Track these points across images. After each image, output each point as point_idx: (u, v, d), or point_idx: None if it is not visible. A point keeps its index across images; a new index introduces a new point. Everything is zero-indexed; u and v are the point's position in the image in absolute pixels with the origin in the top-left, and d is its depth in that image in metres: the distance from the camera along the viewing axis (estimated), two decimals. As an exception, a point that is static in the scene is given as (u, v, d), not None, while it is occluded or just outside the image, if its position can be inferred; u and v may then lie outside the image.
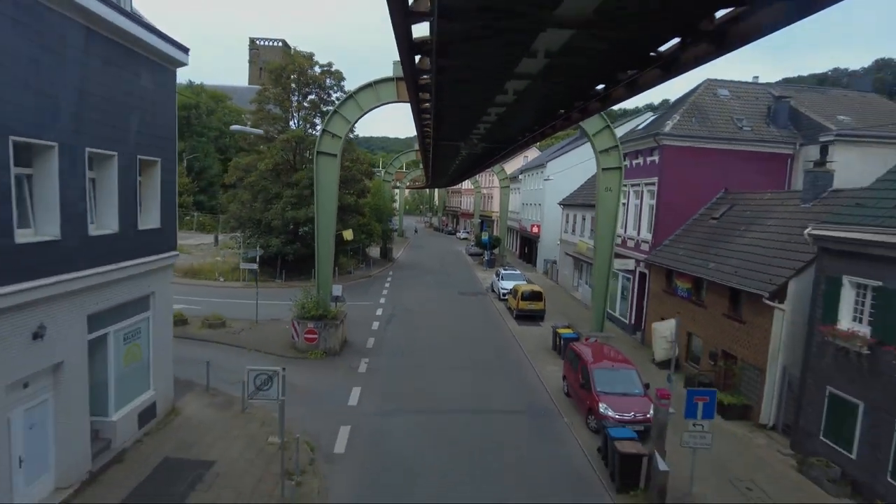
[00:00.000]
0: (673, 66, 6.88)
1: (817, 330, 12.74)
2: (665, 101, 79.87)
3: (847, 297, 12.11)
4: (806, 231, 13.19)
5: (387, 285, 35.21)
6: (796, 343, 13.98)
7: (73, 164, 9.48)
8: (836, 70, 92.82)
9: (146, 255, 12.20)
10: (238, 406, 14.33)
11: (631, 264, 24.17)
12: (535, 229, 44.31)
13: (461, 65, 8.11)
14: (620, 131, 25.47)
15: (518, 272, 34.46)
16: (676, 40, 6.40)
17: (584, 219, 32.62)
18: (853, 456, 11.58)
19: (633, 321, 24.22)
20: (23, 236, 8.54)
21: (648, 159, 23.22)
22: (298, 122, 35.02)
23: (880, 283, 11.24)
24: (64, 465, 9.75)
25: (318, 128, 32.91)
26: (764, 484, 11.78)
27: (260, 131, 30.16)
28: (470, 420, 14.63)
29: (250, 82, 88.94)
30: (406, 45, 7.03)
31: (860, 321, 11.84)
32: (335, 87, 34.18)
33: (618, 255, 23.93)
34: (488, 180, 68.05)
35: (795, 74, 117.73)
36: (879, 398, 11.00)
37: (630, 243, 24.80)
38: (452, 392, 16.58)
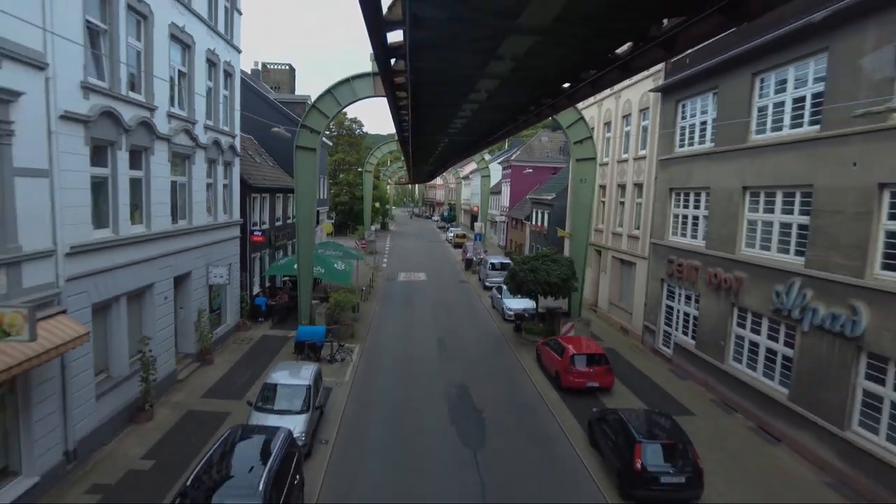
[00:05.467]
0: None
1: (532, 227, 41.24)
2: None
3: (536, 215, 40.59)
4: (528, 196, 41.74)
5: (388, 239, 63.40)
6: (533, 236, 42.38)
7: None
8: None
9: (321, 205, 40.34)
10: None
11: (504, 218, 52.70)
12: (476, 209, 72.77)
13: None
14: (505, 154, 53.80)
15: (459, 228, 63.02)
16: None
17: (495, 200, 61.07)
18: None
19: (505, 244, 52.75)
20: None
21: (508, 171, 51.70)
22: (336, 150, 62.91)
23: (542, 211, 39.76)
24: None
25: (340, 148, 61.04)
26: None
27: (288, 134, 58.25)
28: (429, 269, 42.98)
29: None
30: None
31: (540, 223, 40.29)
32: (358, 130, 62.20)
33: (500, 216, 52.45)
34: (454, 179, 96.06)
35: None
36: (541, 242, 39.40)
37: (503, 209, 53.34)
38: (421, 264, 44.92)
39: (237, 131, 21.16)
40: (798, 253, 13.45)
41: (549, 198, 35.66)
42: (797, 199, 13.58)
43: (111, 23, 12.15)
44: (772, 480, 11.77)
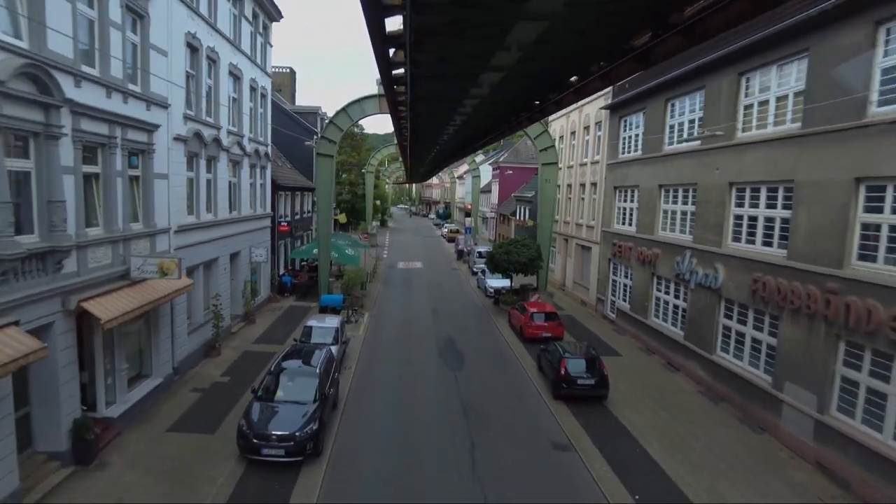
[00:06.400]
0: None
1: (517, 222, 46.32)
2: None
3: (519, 211, 45.67)
4: (513, 194, 46.82)
5: (388, 235, 68.44)
6: (517, 229, 47.41)
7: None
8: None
9: (332, 203, 45.44)
10: (351, 251, 47.54)
11: (493, 215, 57.77)
12: (469, 206, 77.88)
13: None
14: (497, 155, 58.91)
15: (453, 224, 68.10)
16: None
17: (485, 198, 66.17)
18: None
19: (494, 237, 57.86)
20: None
21: (497, 171, 56.77)
22: (339, 152, 67.86)
23: (524, 207, 44.83)
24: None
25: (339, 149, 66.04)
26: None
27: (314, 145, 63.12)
28: (424, 259, 48.03)
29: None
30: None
31: (523, 217, 45.33)
32: (359, 133, 67.21)
33: (490, 212, 57.53)
34: (449, 178, 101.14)
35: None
36: (523, 234, 44.50)
37: (493, 206, 58.41)
38: (418, 255, 49.95)
39: (269, 141, 26.19)
40: (690, 232, 18.55)
41: (530, 195, 40.71)
42: (690, 193, 18.68)
43: (197, 69, 17.20)
44: (662, 390, 16.87)
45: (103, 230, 12.15)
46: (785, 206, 13.97)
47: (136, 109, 13.17)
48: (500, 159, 55.88)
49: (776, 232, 14.34)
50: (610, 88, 25.46)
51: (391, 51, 7.94)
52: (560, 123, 33.42)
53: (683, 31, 6.63)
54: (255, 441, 11.39)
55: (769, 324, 14.39)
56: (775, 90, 14.51)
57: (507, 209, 51.61)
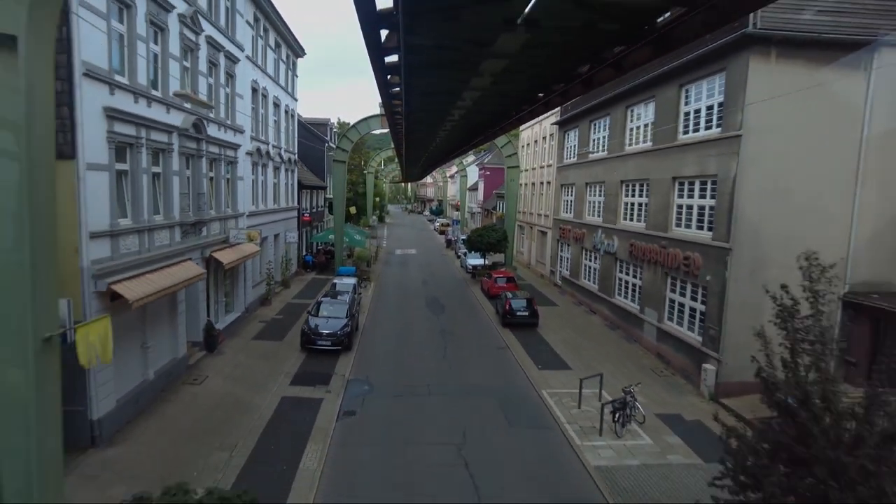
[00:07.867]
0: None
1: (496, 215, 53.98)
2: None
3: (499, 206, 53.41)
4: (494, 191, 54.53)
5: (386, 229, 76.09)
6: (498, 221, 55.06)
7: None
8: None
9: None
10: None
11: (479, 210, 65.48)
12: (458, 203, 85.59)
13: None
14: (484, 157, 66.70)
15: (444, 219, 76.01)
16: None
17: (473, 195, 73.92)
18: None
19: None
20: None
21: (482, 171, 64.49)
22: (342, 154, 75.46)
23: (502, 202, 52.55)
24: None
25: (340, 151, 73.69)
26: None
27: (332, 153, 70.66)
28: (418, 247, 55.68)
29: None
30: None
31: (502, 211, 53.01)
32: (365, 141, 74.80)
33: (477, 208, 65.34)
34: (441, 177, 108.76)
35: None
36: (502, 225, 52.19)
37: (479, 202, 66.11)
38: (413, 244, 57.60)
39: (295, 150, 33.82)
40: (601, 215, 26.26)
41: (506, 192, 48.38)
42: (602, 188, 26.39)
43: (257, 103, 24.82)
44: (579, 324, 24.59)
45: (215, 212, 19.76)
46: (646, 195, 21.68)
47: (230, 136, 20.79)
48: (486, 161, 63.64)
49: (642, 212, 22.06)
50: (558, 108, 33.21)
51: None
52: (527, 133, 41.15)
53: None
54: (312, 336, 19.06)
55: (639, 273, 22.12)
56: (644, 120, 22.23)
57: (490, 205, 59.32)
